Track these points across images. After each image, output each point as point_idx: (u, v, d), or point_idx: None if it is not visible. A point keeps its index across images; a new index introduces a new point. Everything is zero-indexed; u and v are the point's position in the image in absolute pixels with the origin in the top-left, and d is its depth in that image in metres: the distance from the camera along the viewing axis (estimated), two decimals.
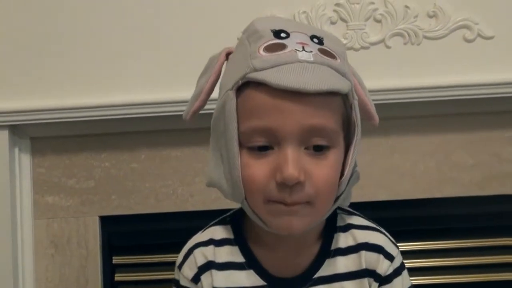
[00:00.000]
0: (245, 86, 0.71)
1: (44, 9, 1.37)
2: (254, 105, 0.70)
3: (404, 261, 0.84)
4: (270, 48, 0.70)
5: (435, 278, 1.45)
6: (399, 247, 0.83)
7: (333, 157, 0.72)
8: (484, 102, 1.35)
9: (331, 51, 0.72)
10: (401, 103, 1.34)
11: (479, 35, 1.35)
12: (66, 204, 1.44)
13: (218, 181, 0.76)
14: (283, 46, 0.70)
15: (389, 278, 0.79)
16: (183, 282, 0.81)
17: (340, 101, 0.73)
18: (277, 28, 0.72)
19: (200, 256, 0.80)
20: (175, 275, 0.83)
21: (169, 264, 1.42)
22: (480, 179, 1.42)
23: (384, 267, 0.79)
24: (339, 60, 0.72)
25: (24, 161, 1.43)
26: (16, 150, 1.42)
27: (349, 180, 0.76)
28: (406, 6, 1.35)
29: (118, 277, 1.48)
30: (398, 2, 1.35)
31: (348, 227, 0.81)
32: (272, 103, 0.69)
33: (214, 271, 0.79)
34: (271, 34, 0.72)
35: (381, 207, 1.40)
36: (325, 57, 0.71)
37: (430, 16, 1.36)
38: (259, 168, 0.70)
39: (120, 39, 1.37)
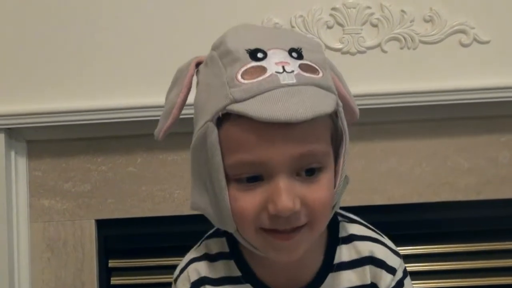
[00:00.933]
0: (226, 116, 0.66)
1: (40, 13, 1.37)
2: (238, 138, 0.65)
3: None
4: (248, 73, 0.65)
5: (430, 282, 1.45)
6: None
7: (326, 177, 0.68)
8: (480, 106, 1.36)
9: (312, 65, 0.67)
10: (397, 107, 1.34)
11: (475, 39, 1.35)
12: (62, 207, 1.44)
13: (204, 209, 0.73)
14: (262, 70, 0.65)
15: None
16: None
17: (326, 117, 0.68)
18: (252, 48, 0.66)
19: (194, 272, 0.78)
20: None
21: (165, 267, 1.43)
22: (476, 184, 1.42)
23: (387, 281, 0.77)
24: (321, 73, 0.68)
25: (21, 164, 1.43)
26: (13, 153, 1.42)
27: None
28: (403, 11, 1.36)
29: (114, 280, 1.48)
30: (394, 7, 1.36)
31: (350, 238, 0.78)
32: (258, 136, 0.64)
33: (208, 287, 0.77)
34: (247, 55, 0.66)
35: (377, 212, 1.40)
36: (307, 74, 0.66)
37: (426, 21, 1.36)
38: (248, 201, 0.67)
39: (116, 42, 1.37)
